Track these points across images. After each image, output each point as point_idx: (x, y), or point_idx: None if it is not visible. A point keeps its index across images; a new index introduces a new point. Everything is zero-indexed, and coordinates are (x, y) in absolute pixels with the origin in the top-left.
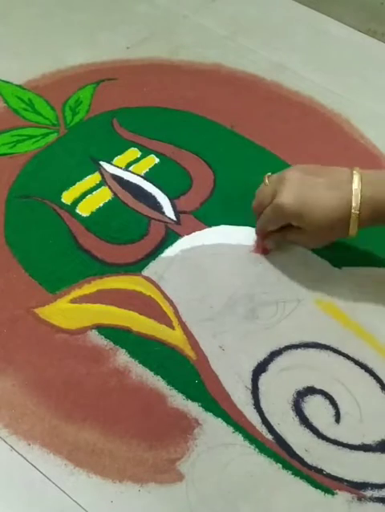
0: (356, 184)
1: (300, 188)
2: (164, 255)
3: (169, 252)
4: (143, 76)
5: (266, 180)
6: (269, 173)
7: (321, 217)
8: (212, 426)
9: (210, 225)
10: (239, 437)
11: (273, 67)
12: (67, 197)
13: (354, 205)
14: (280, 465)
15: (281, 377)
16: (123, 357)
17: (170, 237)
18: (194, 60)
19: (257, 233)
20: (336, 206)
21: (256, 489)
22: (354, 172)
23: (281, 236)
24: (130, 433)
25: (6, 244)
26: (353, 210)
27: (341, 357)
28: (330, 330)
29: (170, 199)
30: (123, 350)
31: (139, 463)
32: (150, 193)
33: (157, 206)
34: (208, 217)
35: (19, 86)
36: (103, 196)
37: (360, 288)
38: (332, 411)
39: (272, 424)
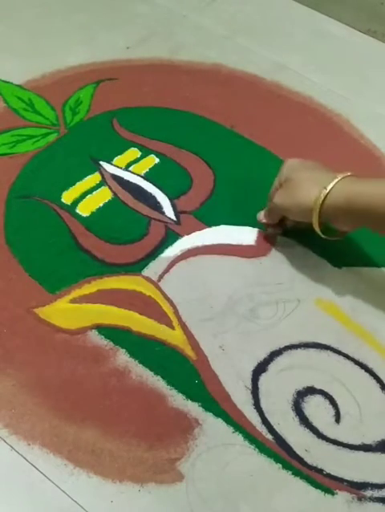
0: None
1: (309, 162)
2: (163, 255)
3: (169, 252)
4: (143, 76)
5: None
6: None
7: (307, 173)
8: (212, 426)
9: (210, 225)
10: (239, 437)
11: (273, 67)
12: (67, 197)
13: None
14: (280, 465)
15: (281, 377)
16: (123, 357)
17: (170, 237)
18: (194, 60)
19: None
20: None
21: (256, 489)
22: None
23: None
24: (130, 433)
25: (6, 244)
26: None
27: (341, 357)
28: (330, 330)
29: (170, 199)
30: (123, 350)
31: (139, 463)
32: (150, 193)
33: (157, 206)
34: (208, 217)
35: (19, 86)
36: (103, 196)
37: (360, 288)
38: (332, 411)
39: (272, 424)
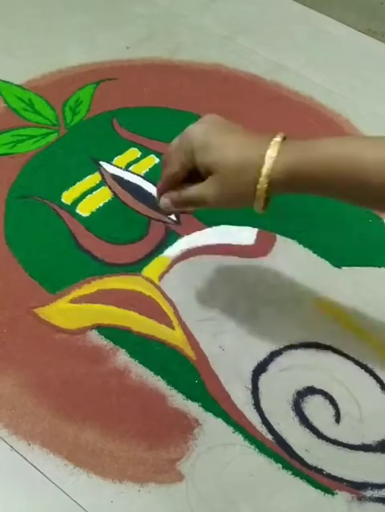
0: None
1: (215, 125)
2: (164, 255)
3: (169, 252)
4: (143, 76)
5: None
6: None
7: (231, 155)
8: (212, 426)
9: (210, 225)
10: (239, 437)
11: (273, 67)
12: (67, 197)
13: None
14: (280, 465)
15: (281, 377)
16: (123, 357)
17: (170, 237)
18: (194, 60)
19: (158, 188)
20: (248, 151)
21: (256, 489)
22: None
23: (179, 195)
24: (130, 433)
25: (6, 244)
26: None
27: (341, 357)
28: (330, 330)
29: None
30: (123, 350)
31: (139, 463)
32: (150, 193)
33: (157, 206)
34: (208, 217)
35: (19, 86)
36: (103, 196)
37: (360, 288)
38: (332, 411)
39: (272, 424)
